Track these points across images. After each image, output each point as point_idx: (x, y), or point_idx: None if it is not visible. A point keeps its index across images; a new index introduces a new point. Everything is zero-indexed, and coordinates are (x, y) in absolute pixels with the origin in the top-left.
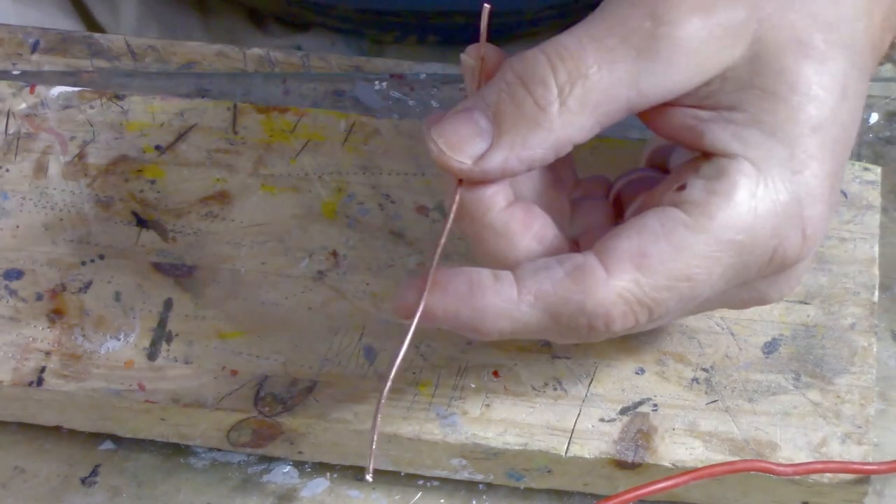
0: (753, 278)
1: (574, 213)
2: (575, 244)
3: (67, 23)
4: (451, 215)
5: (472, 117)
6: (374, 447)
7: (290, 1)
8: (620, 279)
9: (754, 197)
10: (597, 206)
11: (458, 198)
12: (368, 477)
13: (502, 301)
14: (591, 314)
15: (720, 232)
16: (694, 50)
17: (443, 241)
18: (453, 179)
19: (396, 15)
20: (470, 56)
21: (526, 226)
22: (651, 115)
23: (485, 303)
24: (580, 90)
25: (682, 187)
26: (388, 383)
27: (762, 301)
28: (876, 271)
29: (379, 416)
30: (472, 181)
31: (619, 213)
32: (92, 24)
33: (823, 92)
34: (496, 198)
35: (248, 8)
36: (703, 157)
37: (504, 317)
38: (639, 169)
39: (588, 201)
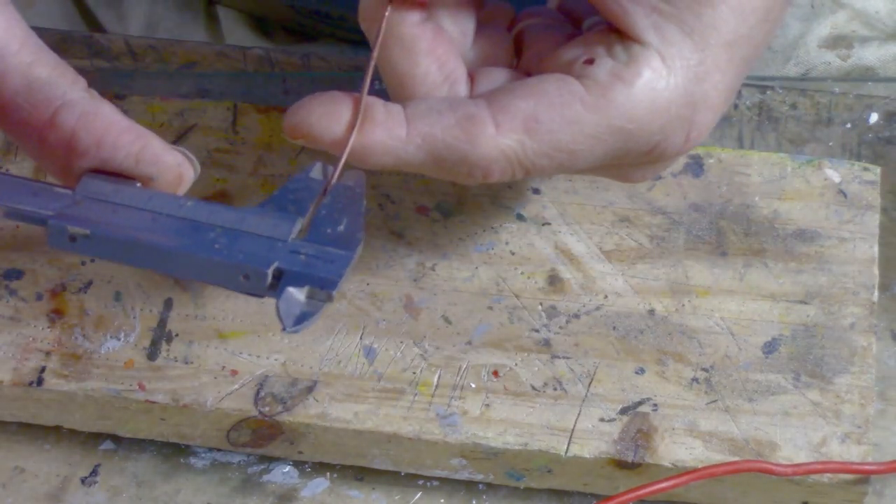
0: (627, 162)
1: (476, 37)
2: (471, 77)
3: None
4: (382, 30)
5: None
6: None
7: (299, 12)
8: (507, 138)
9: (654, 90)
10: (499, 40)
11: (387, 12)
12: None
13: (390, 139)
14: (472, 165)
15: (613, 117)
16: None
17: (375, 54)
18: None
19: None
20: None
21: (431, 48)
22: None
23: (373, 138)
24: None
25: (590, 61)
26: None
27: (625, 180)
28: (876, 271)
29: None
30: None
31: (518, 49)
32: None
33: (750, 9)
34: (411, 13)
35: (257, 18)
36: (618, 34)
37: (390, 154)
38: (546, 10)
39: (491, 31)
